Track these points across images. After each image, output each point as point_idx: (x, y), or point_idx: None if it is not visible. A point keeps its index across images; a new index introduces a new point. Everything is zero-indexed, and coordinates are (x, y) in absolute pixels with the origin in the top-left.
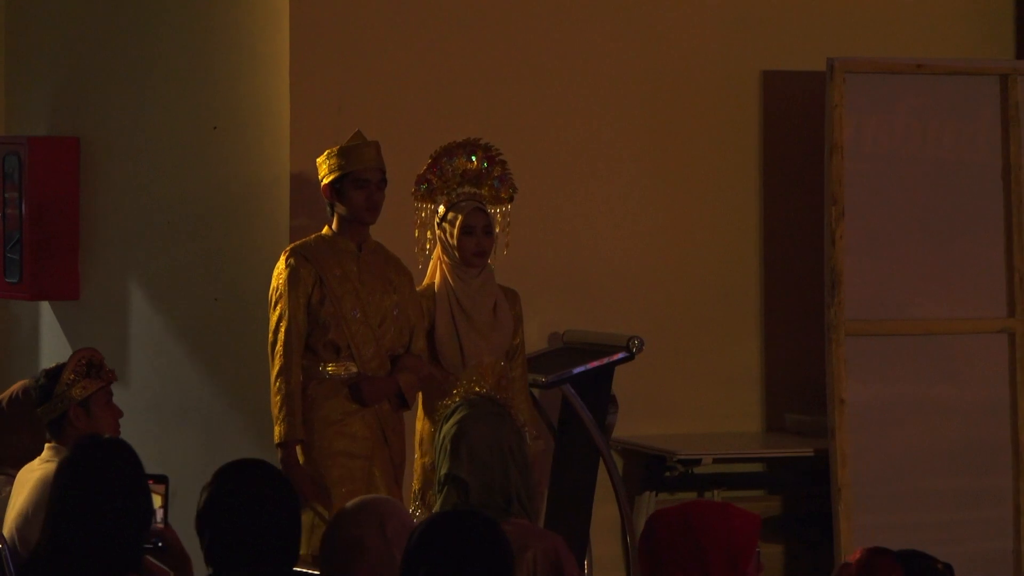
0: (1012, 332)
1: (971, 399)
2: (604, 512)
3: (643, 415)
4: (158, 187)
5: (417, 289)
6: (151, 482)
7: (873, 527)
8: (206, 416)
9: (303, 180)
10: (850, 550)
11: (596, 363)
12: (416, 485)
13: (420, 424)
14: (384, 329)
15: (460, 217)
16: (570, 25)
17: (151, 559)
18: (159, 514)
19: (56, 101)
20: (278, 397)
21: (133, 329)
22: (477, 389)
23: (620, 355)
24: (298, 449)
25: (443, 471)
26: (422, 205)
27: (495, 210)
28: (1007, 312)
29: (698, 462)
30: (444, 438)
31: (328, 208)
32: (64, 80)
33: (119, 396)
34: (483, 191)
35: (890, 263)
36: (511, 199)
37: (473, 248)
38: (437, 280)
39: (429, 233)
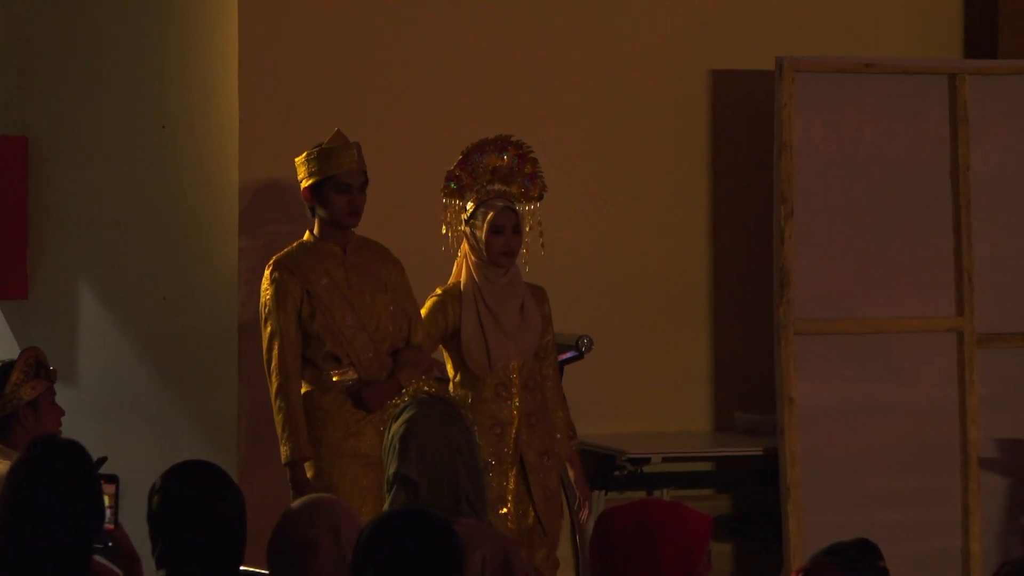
0: (960, 332)
1: (920, 398)
2: None
3: (592, 414)
4: (108, 186)
5: (442, 288)
6: (101, 482)
7: (822, 526)
8: (155, 416)
9: (252, 178)
10: (799, 549)
11: None
12: None
13: None
14: (382, 332)
15: (489, 215)
16: (520, 25)
17: (100, 560)
18: (108, 514)
19: (4, 100)
20: (280, 416)
21: (82, 329)
22: (426, 389)
23: (569, 354)
24: (306, 466)
25: (392, 470)
26: (451, 202)
27: (525, 208)
28: (955, 311)
29: (647, 461)
30: (393, 437)
31: (308, 211)
32: (12, 79)
33: (68, 396)
34: (513, 189)
35: (839, 262)
36: (541, 197)
37: (501, 247)
38: (463, 279)
39: (452, 232)
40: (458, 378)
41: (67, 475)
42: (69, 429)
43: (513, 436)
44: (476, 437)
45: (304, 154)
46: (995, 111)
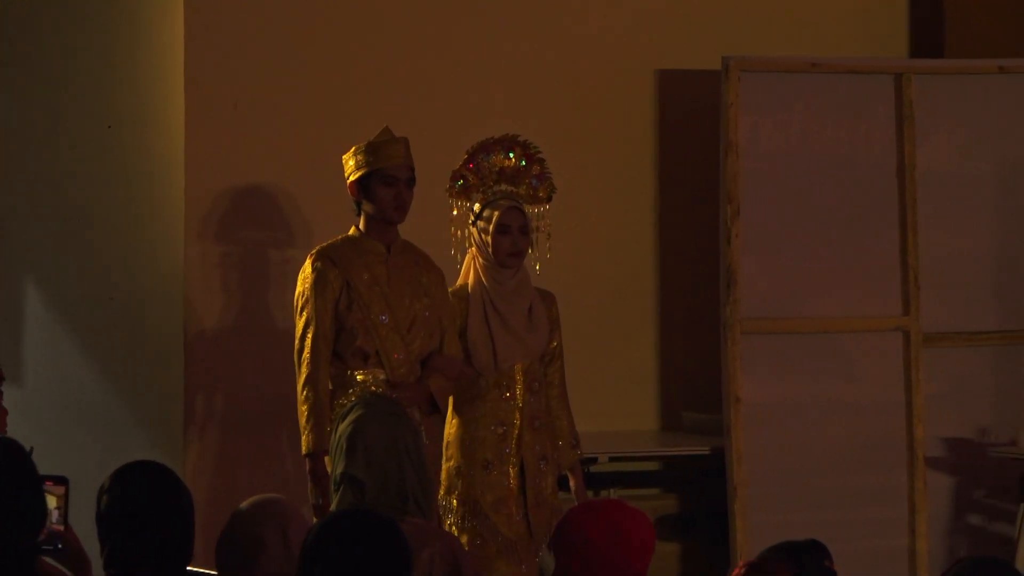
0: (907, 330)
1: (866, 397)
2: None
3: None
4: (53, 185)
5: (450, 289)
6: (50, 483)
7: (769, 525)
8: (102, 416)
9: (198, 177)
10: (746, 548)
11: None
12: (441, 492)
13: (447, 427)
14: (413, 334)
15: (496, 215)
16: (465, 24)
17: (49, 561)
18: (58, 515)
19: None
20: (305, 407)
21: (28, 328)
22: (373, 389)
23: None
24: (326, 459)
25: (339, 470)
26: (457, 202)
27: (532, 209)
28: (902, 310)
29: (594, 460)
30: (340, 437)
31: (355, 206)
32: None
33: (13, 396)
34: (520, 189)
35: (786, 261)
36: (549, 198)
37: (508, 248)
38: (471, 280)
39: (461, 232)
40: (478, 376)
41: (5, 474)
42: (14, 430)
43: (516, 436)
44: (423, 437)
45: (351, 149)
46: (941, 110)
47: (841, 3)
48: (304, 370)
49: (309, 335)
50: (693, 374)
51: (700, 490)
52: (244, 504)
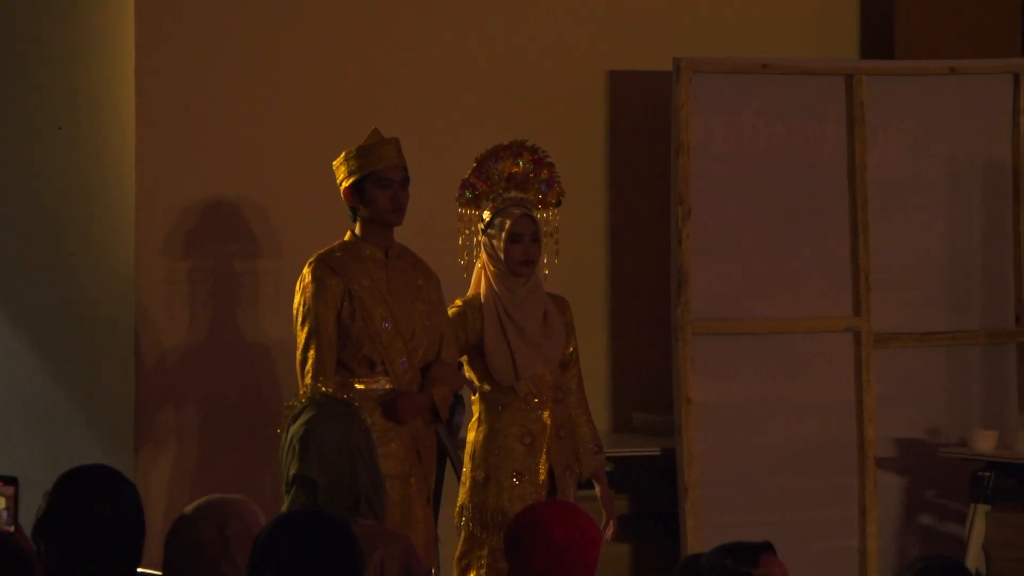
0: (857, 331)
1: (817, 398)
2: (450, 511)
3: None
4: (2, 186)
5: (462, 300)
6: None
7: (720, 526)
8: (52, 418)
9: (149, 178)
10: (697, 549)
11: None
12: (463, 499)
13: (472, 434)
14: (417, 341)
15: (507, 223)
16: (415, 24)
17: None
18: (5, 516)
19: None
20: None
21: None
22: (324, 389)
23: None
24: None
25: (291, 471)
26: (467, 211)
27: (543, 215)
28: (853, 311)
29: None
30: (292, 439)
31: (350, 212)
32: None
33: None
34: (530, 196)
35: (737, 262)
36: (559, 203)
37: (520, 256)
38: (483, 290)
39: (474, 240)
40: (486, 388)
41: None
42: None
43: (544, 448)
44: (374, 438)
45: (342, 155)
46: (892, 111)
47: (792, 4)
48: (308, 382)
49: (313, 346)
50: (644, 375)
51: (651, 491)
52: (191, 505)
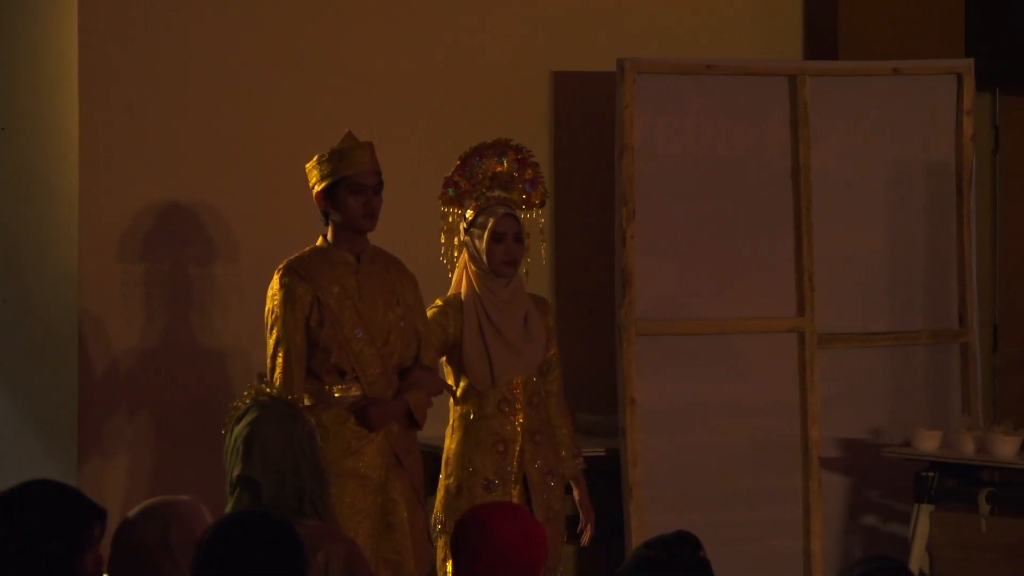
0: (801, 332)
1: (762, 398)
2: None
3: (432, 416)
4: None
5: (443, 300)
6: None
7: (664, 526)
8: None
9: (93, 180)
10: None
11: None
12: (437, 509)
13: (447, 441)
14: (390, 347)
15: (490, 222)
16: (360, 25)
17: None
18: None
19: None
20: None
21: None
22: (268, 390)
23: None
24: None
25: (235, 472)
26: (449, 210)
27: (526, 216)
28: (796, 312)
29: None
30: (236, 439)
31: (322, 217)
32: None
33: None
34: (513, 195)
35: (681, 263)
36: (543, 204)
37: (502, 256)
38: (464, 290)
39: (456, 239)
40: (459, 392)
41: None
42: None
43: (517, 453)
44: (319, 439)
45: (315, 158)
46: (835, 112)
47: (736, 5)
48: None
49: (280, 354)
50: (588, 375)
51: (595, 491)
52: (136, 508)
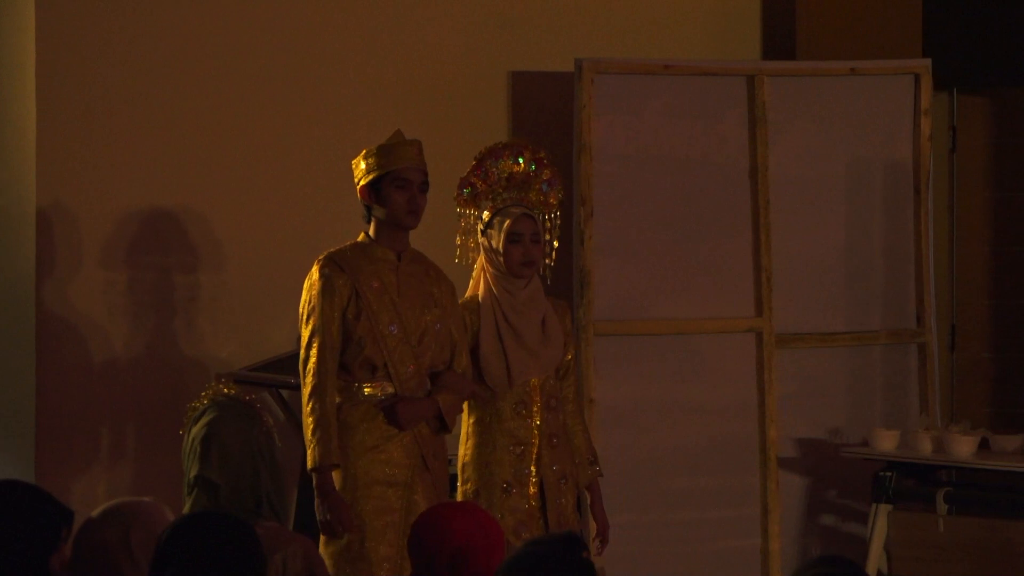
0: (759, 332)
1: (720, 398)
2: None
3: None
4: None
5: (460, 301)
6: None
7: (622, 526)
8: None
9: (51, 177)
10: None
11: None
12: None
13: (462, 448)
14: (424, 347)
15: (506, 223)
16: (316, 25)
17: None
18: None
19: None
20: (311, 419)
21: None
22: (226, 391)
23: None
24: (335, 475)
25: (193, 473)
26: (465, 211)
27: (544, 216)
28: (755, 312)
29: (448, 463)
30: (194, 440)
31: (365, 212)
32: None
33: None
34: (530, 195)
35: (639, 263)
36: (560, 204)
37: (520, 257)
38: (481, 292)
39: (472, 241)
40: (486, 395)
41: None
42: None
43: (534, 456)
44: (277, 439)
45: (361, 153)
46: (793, 112)
47: (694, 5)
48: (310, 381)
49: (315, 345)
50: None
51: None
52: (98, 508)
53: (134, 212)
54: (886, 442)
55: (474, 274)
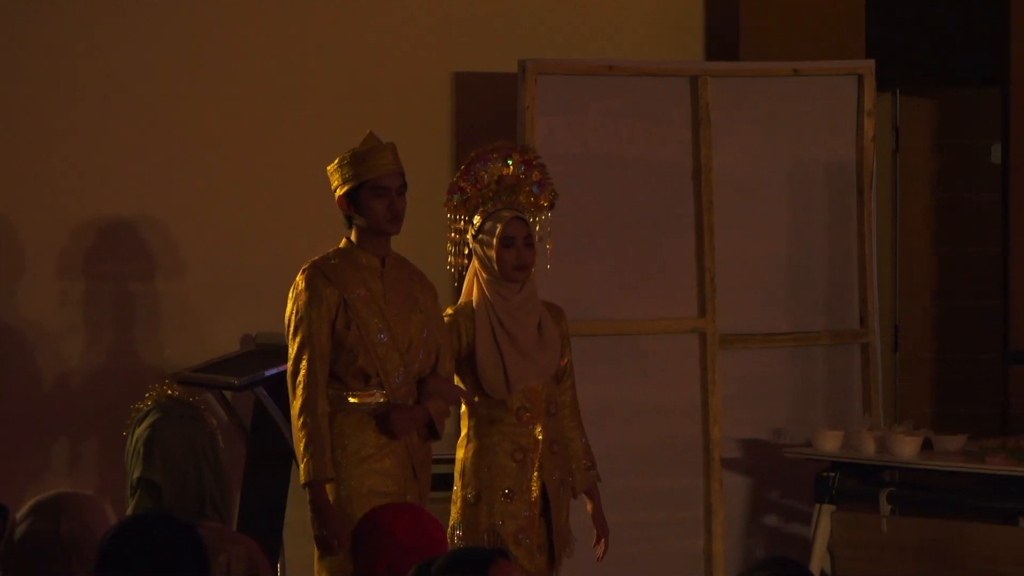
0: (703, 332)
1: (664, 399)
2: (296, 514)
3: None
4: None
5: (454, 308)
6: None
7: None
8: None
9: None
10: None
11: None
12: (455, 519)
13: (461, 451)
14: (413, 354)
15: (498, 228)
16: (260, 25)
17: None
18: None
19: None
20: (303, 433)
21: None
22: (169, 392)
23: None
24: (328, 488)
25: (136, 475)
26: (456, 216)
27: (535, 219)
28: (698, 312)
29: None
30: (137, 442)
31: (345, 220)
32: None
33: None
34: (520, 198)
35: (583, 264)
36: (552, 206)
37: (513, 261)
38: (475, 298)
39: (465, 247)
40: (476, 400)
41: None
42: None
43: (537, 463)
44: (220, 440)
45: (335, 160)
46: (736, 113)
47: (637, 7)
48: (300, 395)
49: (305, 357)
50: None
51: None
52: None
53: (89, 221)
54: (829, 442)
55: (467, 280)
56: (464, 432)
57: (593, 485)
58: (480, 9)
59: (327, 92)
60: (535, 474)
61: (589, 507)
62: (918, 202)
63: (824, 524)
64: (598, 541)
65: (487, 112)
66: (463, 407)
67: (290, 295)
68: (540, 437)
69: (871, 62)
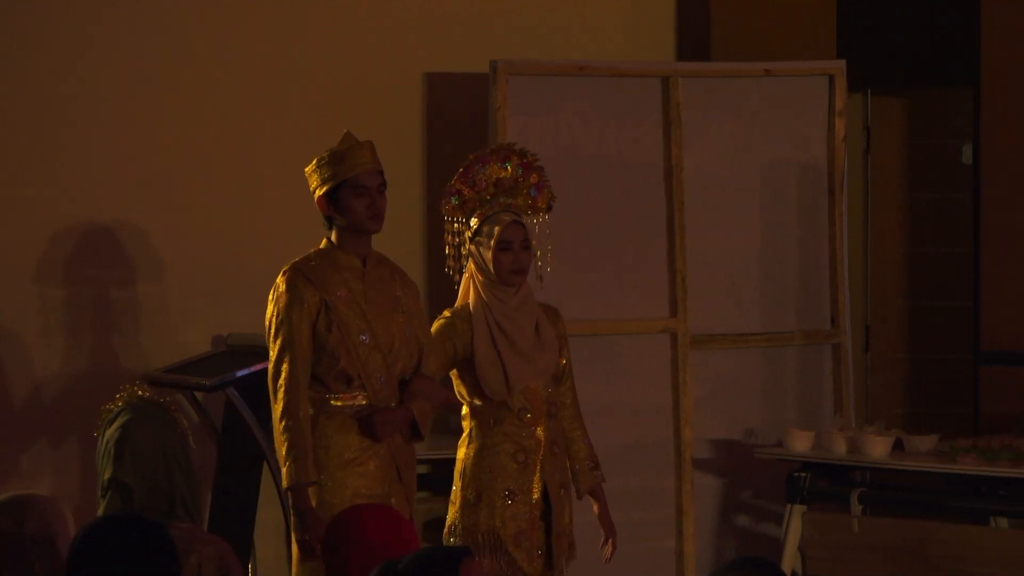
0: (674, 332)
1: (635, 399)
2: (267, 514)
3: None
4: None
5: (451, 311)
6: None
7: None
8: None
9: None
10: None
11: (260, 366)
12: (453, 518)
13: (462, 451)
14: (395, 354)
15: (496, 231)
16: (231, 26)
17: None
18: None
19: None
20: (285, 436)
21: None
22: (140, 393)
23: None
24: (311, 491)
25: (106, 476)
26: (453, 219)
27: (533, 221)
28: (669, 313)
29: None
30: (108, 442)
31: (325, 221)
32: None
33: None
34: (519, 201)
35: (555, 264)
36: (549, 208)
37: (510, 264)
38: (472, 300)
39: (464, 250)
40: (478, 403)
41: None
42: None
43: (538, 465)
44: (191, 441)
45: (313, 161)
46: (707, 113)
47: (608, 7)
48: (282, 398)
49: (286, 360)
50: None
51: None
52: None
53: (69, 227)
54: (801, 443)
55: (463, 282)
56: (465, 432)
57: (598, 486)
58: (452, 9)
59: (299, 94)
60: (537, 476)
61: (595, 508)
62: (890, 202)
63: (795, 524)
64: (606, 542)
65: (459, 113)
66: (464, 408)
67: (270, 297)
68: (542, 438)
69: (842, 62)
